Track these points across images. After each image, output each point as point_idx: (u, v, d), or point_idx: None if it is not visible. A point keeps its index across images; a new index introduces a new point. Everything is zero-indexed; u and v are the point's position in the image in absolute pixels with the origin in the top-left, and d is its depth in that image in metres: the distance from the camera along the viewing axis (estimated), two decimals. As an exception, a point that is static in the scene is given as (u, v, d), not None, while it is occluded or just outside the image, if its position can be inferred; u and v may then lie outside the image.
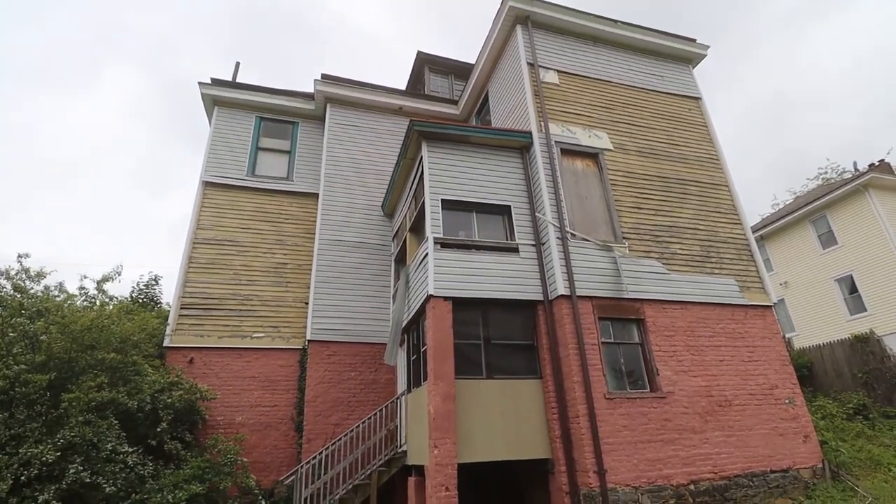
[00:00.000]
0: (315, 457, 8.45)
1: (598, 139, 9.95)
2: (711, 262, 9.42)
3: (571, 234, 8.55)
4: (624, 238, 8.96)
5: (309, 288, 11.05)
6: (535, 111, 9.63)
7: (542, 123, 9.48)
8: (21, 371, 7.17)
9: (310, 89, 12.94)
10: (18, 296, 8.35)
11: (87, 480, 6.90)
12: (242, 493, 8.56)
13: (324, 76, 12.76)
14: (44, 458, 6.67)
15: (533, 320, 8.31)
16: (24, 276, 8.65)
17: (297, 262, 11.51)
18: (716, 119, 11.68)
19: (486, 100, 12.37)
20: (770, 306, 9.48)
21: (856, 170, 24.01)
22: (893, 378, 12.46)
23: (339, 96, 12.81)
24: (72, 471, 6.82)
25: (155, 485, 7.50)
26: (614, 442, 7.27)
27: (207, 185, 11.72)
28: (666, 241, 9.29)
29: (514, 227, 8.80)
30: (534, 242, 8.68)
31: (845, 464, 8.74)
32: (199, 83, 12.36)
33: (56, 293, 8.89)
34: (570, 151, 9.59)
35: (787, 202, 30.17)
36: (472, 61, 12.97)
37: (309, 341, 10.33)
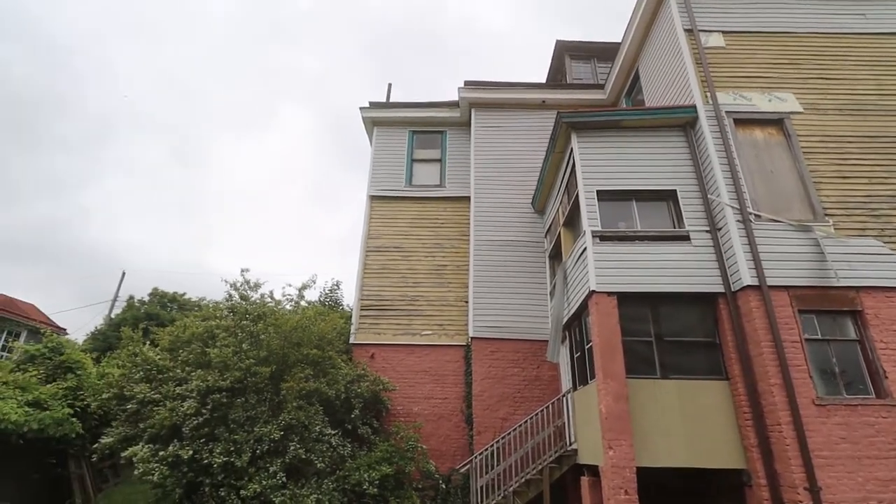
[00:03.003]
0: (487, 449, 8.83)
1: (781, 102, 8.56)
2: (960, 236, 7.41)
3: (755, 214, 7.50)
4: (826, 215, 7.56)
5: (468, 287, 11.58)
6: (697, 81, 8.68)
7: (708, 94, 8.50)
8: (250, 364, 8.84)
9: (454, 97, 13.53)
10: (244, 303, 10.32)
11: (303, 457, 8.22)
12: (423, 478, 9.35)
13: (466, 83, 13.22)
14: (272, 437, 8.14)
15: (713, 315, 7.51)
16: (246, 286, 10.66)
17: (456, 264, 12.14)
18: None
19: (636, 79, 11.52)
20: None
21: None
22: None
23: (482, 100, 13.14)
24: (291, 448, 8.19)
25: (353, 464, 8.62)
26: (829, 456, 6.19)
27: (373, 198, 13.04)
28: (886, 215, 7.58)
29: (683, 213, 8.04)
30: (708, 228, 7.83)
31: None
32: (361, 108, 13.81)
33: (269, 300, 10.75)
34: (747, 120, 8.42)
35: None
36: (617, 41, 12.18)
37: (472, 338, 10.82)
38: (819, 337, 6.93)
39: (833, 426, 6.34)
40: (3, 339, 18.74)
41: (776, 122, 8.40)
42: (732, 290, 7.30)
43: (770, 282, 6.99)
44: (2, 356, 17.00)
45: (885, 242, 7.36)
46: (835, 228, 7.44)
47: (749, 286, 7.01)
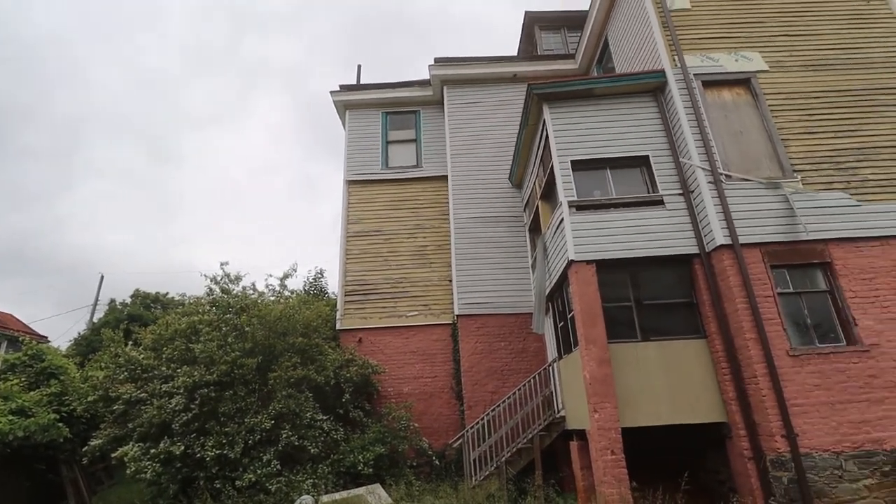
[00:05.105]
0: (478, 422, 8.98)
1: (747, 62, 8.62)
2: (922, 184, 7.62)
3: (726, 175, 7.61)
4: (795, 171, 7.71)
5: (450, 266, 11.61)
6: (665, 45, 8.68)
7: (676, 57, 8.51)
8: (236, 357, 8.79)
9: (426, 76, 13.33)
10: (225, 296, 10.21)
11: (296, 444, 8.28)
12: (417, 455, 9.50)
13: (437, 60, 13.03)
14: (263, 426, 8.17)
15: (689, 276, 7.67)
16: (227, 280, 10.53)
17: (437, 244, 12.13)
18: (912, 3, 9.24)
19: (605, 46, 11.48)
20: None
21: None
22: None
23: (454, 76, 12.97)
24: (284, 436, 8.23)
25: (347, 447, 8.71)
26: (805, 403, 6.44)
27: (350, 183, 12.90)
28: (852, 168, 7.75)
29: (656, 178, 8.13)
30: (681, 191, 7.93)
31: None
32: (331, 92, 13.53)
33: (251, 291, 10.66)
34: (715, 82, 8.47)
35: None
36: (585, 8, 12.08)
37: (457, 316, 10.90)
38: (791, 290, 7.13)
39: (807, 375, 6.57)
40: (-19, 350, 18.35)
41: (743, 81, 8.48)
42: (707, 250, 7.45)
43: (742, 240, 7.14)
44: (-18, 368, 16.63)
45: (851, 195, 7.54)
46: (803, 184, 7.59)
47: (722, 245, 7.15)
